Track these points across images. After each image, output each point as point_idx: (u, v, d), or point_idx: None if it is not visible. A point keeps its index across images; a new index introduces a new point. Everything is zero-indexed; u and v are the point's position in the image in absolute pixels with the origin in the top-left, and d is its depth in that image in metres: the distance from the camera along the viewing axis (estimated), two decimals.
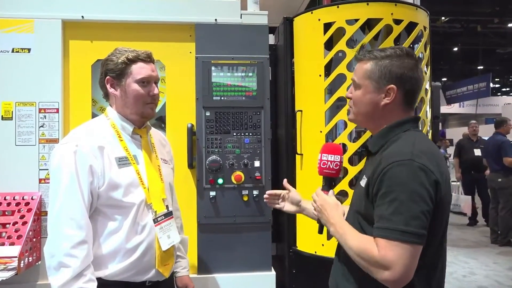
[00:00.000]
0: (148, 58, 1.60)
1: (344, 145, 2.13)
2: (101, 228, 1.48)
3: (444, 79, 21.16)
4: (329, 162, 1.34)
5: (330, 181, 1.39)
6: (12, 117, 2.16)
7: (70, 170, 1.43)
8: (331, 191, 1.38)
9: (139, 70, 1.56)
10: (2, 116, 2.15)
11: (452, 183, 9.50)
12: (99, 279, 1.44)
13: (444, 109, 19.44)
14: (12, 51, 2.17)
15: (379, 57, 1.27)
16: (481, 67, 17.17)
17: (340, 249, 1.37)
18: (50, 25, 2.19)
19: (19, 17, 2.17)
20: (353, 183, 2.17)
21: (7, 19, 2.16)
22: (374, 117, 1.30)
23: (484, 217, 7.31)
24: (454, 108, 19.35)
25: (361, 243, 1.18)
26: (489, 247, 6.03)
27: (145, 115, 1.60)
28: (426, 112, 2.29)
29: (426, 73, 2.30)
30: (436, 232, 1.19)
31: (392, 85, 1.25)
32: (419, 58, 2.22)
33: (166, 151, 1.81)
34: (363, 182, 1.27)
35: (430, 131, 2.35)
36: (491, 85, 16.18)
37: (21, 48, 2.17)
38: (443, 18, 13.14)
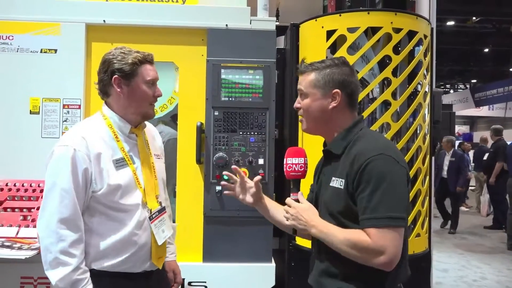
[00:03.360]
0: (152, 60, 1.69)
1: None
2: (101, 227, 1.57)
3: (474, 80, 20.59)
4: (305, 166, 1.45)
5: (299, 183, 1.47)
6: (39, 111, 2.38)
7: (67, 173, 1.49)
8: (299, 192, 1.44)
9: (148, 71, 1.64)
10: (30, 110, 2.37)
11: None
12: (100, 271, 1.56)
13: (473, 111, 18.91)
14: (41, 52, 2.38)
15: (320, 67, 1.42)
16: None
17: (320, 249, 1.43)
18: (75, 28, 2.39)
19: (47, 21, 2.38)
20: None
21: (36, 22, 2.38)
22: (325, 121, 1.44)
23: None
24: (483, 111, 18.83)
25: (351, 236, 1.26)
26: (505, 253, 5.95)
27: (148, 115, 1.69)
28: (424, 116, 2.36)
29: (426, 77, 2.38)
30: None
31: (336, 90, 1.39)
32: (419, 62, 2.30)
33: (158, 145, 1.86)
34: (336, 183, 1.37)
35: (428, 134, 2.42)
36: None
37: (48, 49, 2.39)
38: (474, 18, 12.82)
